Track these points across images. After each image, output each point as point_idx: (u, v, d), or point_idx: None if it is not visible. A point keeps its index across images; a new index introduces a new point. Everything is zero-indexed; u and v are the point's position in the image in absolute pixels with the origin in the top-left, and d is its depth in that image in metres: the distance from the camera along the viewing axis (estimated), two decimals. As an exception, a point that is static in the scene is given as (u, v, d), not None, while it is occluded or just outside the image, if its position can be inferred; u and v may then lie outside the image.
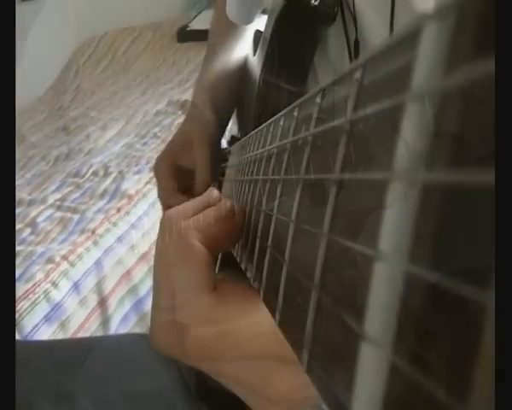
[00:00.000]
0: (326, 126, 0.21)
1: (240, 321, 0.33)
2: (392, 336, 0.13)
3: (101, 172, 2.09)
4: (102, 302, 1.51)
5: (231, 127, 0.93)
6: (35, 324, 1.35)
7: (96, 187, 1.96)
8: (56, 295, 1.42)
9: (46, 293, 1.41)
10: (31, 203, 1.95)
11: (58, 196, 1.97)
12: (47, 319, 1.38)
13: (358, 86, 0.18)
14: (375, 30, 0.60)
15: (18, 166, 2.41)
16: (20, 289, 1.39)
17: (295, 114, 0.26)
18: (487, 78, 0.11)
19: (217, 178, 0.84)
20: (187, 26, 3.56)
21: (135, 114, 2.64)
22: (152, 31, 3.74)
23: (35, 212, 1.86)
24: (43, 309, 1.38)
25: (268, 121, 0.36)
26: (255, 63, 0.76)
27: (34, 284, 1.42)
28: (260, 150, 0.37)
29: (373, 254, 0.14)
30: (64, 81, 3.56)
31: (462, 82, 0.12)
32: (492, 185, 0.10)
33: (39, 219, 1.80)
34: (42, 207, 1.89)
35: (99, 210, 1.77)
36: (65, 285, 1.46)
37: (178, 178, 0.83)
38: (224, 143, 0.91)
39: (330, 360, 0.17)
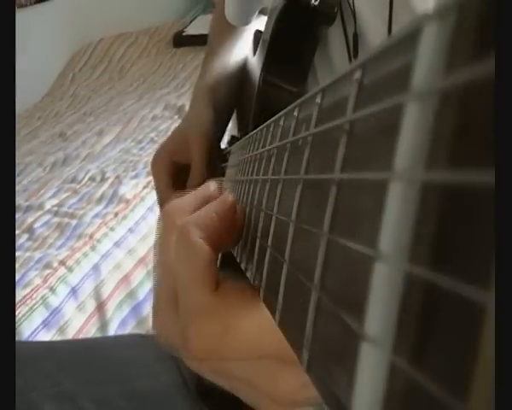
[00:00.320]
0: (326, 126, 0.21)
1: (242, 320, 0.32)
2: (392, 336, 0.13)
3: (99, 178, 2.09)
4: (101, 307, 1.51)
5: (231, 127, 0.93)
6: (33, 329, 1.35)
7: (94, 192, 1.96)
8: (54, 301, 1.42)
9: (44, 298, 1.41)
10: (28, 209, 1.95)
11: (55, 201, 1.97)
12: (45, 324, 1.38)
13: (358, 86, 0.18)
14: (374, 29, 0.60)
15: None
16: (18, 294, 1.39)
17: (295, 113, 0.26)
18: (487, 78, 0.11)
19: (214, 177, 0.83)
20: (183, 31, 3.57)
21: (131, 120, 2.64)
22: (148, 36, 3.75)
23: (32, 218, 1.85)
24: (41, 315, 1.38)
25: (268, 121, 0.36)
26: (255, 63, 0.76)
27: (32, 290, 1.42)
28: (260, 150, 0.37)
29: (373, 254, 0.14)
30: (60, 87, 3.56)
31: (462, 82, 0.12)
32: (492, 185, 0.10)
33: (36, 225, 1.80)
34: (39, 213, 1.89)
35: (96, 215, 1.77)
36: (63, 290, 1.46)
37: (175, 176, 0.83)
38: (224, 143, 0.90)
39: (330, 359, 0.17)
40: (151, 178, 0.94)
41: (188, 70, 3.09)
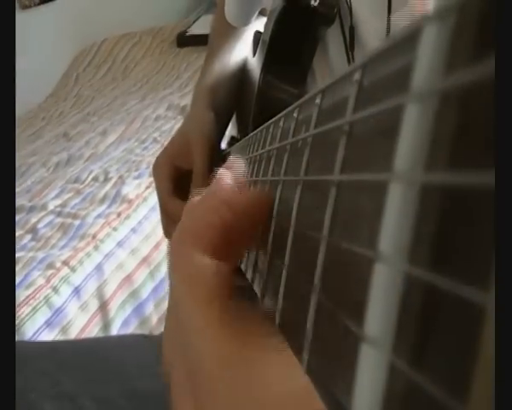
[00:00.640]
0: (326, 127, 0.21)
1: (265, 372, 0.24)
2: (392, 336, 0.13)
3: (102, 178, 2.09)
4: (103, 307, 1.51)
5: (231, 128, 0.93)
6: (36, 329, 1.35)
7: (97, 192, 1.96)
8: (57, 301, 1.43)
9: (47, 298, 1.42)
10: (31, 210, 1.95)
11: (58, 202, 1.97)
12: (48, 324, 1.38)
13: (358, 87, 0.18)
14: (372, 30, 0.60)
15: (18, 173, 2.41)
16: (21, 295, 1.39)
17: (295, 115, 0.26)
18: (487, 78, 0.11)
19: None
20: (186, 31, 3.57)
21: (135, 120, 2.64)
22: (151, 36, 3.75)
23: (35, 218, 1.86)
24: (44, 315, 1.39)
25: (268, 122, 0.36)
26: (255, 64, 0.76)
27: (35, 290, 1.42)
28: (260, 151, 0.37)
29: (373, 256, 0.14)
30: (64, 88, 3.57)
31: (462, 83, 0.12)
32: (492, 186, 0.10)
33: (40, 226, 1.80)
34: (42, 213, 1.89)
35: (99, 215, 1.77)
36: (66, 290, 1.46)
37: (177, 180, 0.83)
38: (223, 144, 0.90)
39: (330, 360, 0.17)
40: (154, 178, 0.94)
41: (191, 70, 3.09)
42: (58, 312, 1.41)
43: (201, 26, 3.33)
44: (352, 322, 0.15)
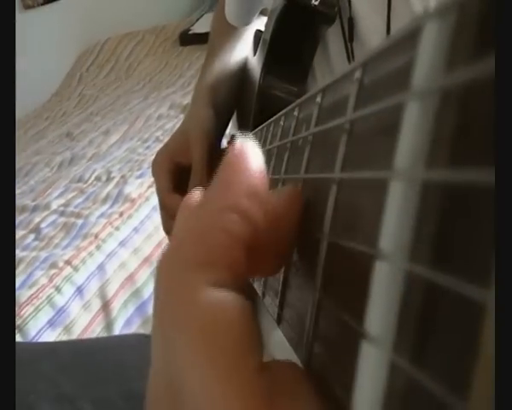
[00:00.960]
0: (326, 126, 0.21)
1: None
2: (392, 334, 0.13)
3: (104, 177, 2.09)
4: (106, 306, 1.52)
5: (232, 127, 0.93)
6: (39, 328, 1.36)
7: (99, 192, 1.96)
8: (60, 300, 1.43)
9: (50, 298, 1.42)
10: (34, 209, 1.95)
11: (61, 201, 1.97)
12: (51, 323, 1.38)
13: (359, 86, 0.18)
14: (372, 28, 0.60)
15: (22, 172, 2.41)
16: (24, 294, 1.39)
17: (295, 113, 0.26)
18: (487, 76, 0.11)
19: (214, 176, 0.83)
20: (189, 29, 3.57)
21: (137, 119, 2.64)
22: (154, 35, 3.75)
23: (39, 218, 1.86)
24: (46, 314, 1.39)
25: (268, 121, 0.36)
26: (255, 63, 0.76)
27: (38, 290, 1.42)
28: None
29: (373, 253, 0.14)
30: (67, 87, 3.57)
31: (463, 81, 0.12)
32: (492, 184, 0.10)
33: (43, 225, 1.80)
34: (45, 212, 1.90)
35: (102, 215, 1.77)
36: (68, 290, 1.46)
37: (176, 177, 0.83)
38: (224, 143, 0.90)
39: (330, 358, 0.17)
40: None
41: (194, 68, 3.09)
42: (61, 311, 1.41)
43: (204, 25, 3.32)
44: (352, 320, 0.15)
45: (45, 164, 2.46)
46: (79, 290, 1.48)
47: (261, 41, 0.74)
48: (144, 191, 1.85)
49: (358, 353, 0.14)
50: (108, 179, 2.05)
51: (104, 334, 1.49)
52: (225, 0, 0.89)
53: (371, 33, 0.60)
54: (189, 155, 0.80)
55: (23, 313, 1.35)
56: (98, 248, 1.60)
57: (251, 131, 0.47)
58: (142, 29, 3.77)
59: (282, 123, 0.30)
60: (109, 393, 0.62)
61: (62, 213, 1.87)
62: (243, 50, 0.90)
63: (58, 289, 1.44)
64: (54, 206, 1.93)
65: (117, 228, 1.68)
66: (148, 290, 1.63)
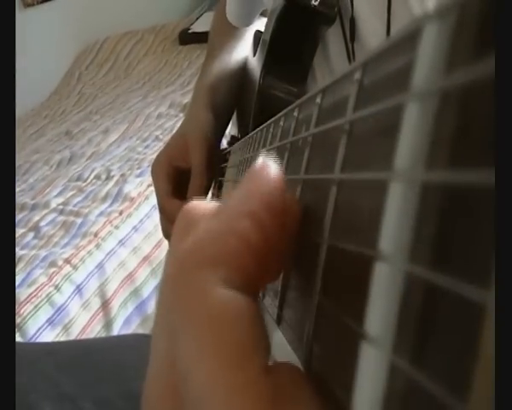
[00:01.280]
0: (326, 126, 0.21)
1: None
2: (392, 335, 0.13)
3: (104, 176, 2.09)
4: (105, 305, 1.52)
5: (231, 127, 0.93)
6: (38, 327, 1.36)
7: (99, 190, 1.96)
8: (59, 299, 1.43)
9: (49, 296, 1.42)
10: (34, 208, 1.95)
11: (61, 200, 1.97)
12: (50, 322, 1.38)
13: (359, 86, 0.18)
14: (372, 30, 0.60)
15: (21, 171, 2.41)
16: (24, 293, 1.39)
17: (295, 114, 0.26)
18: (487, 77, 0.11)
19: (215, 180, 0.83)
20: (189, 28, 3.57)
21: (137, 118, 2.64)
22: (154, 34, 3.75)
23: (38, 216, 1.86)
24: (46, 313, 1.39)
25: (268, 121, 0.36)
26: (255, 64, 0.76)
27: (37, 288, 1.42)
28: (260, 150, 0.37)
29: (373, 254, 0.14)
30: (67, 86, 3.57)
31: (463, 82, 0.12)
32: (492, 185, 0.10)
33: (42, 224, 1.80)
34: (45, 211, 1.90)
35: (101, 213, 1.77)
36: (68, 289, 1.46)
37: (176, 181, 0.83)
38: (224, 143, 0.90)
39: (330, 359, 0.17)
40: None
41: (193, 68, 3.08)
42: (60, 310, 1.41)
43: (204, 24, 3.32)
44: (352, 321, 0.15)
45: (44, 162, 2.46)
46: (79, 289, 1.48)
47: (261, 41, 0.74)
48: (144, 190, 1.85)
49: (358, 354, 0.14)
50: (108, 178, 2.05)
51: (103, 333, 1.49)
52: (226, 0, 0.89)
53: (371, 35, 0.60)
54: (188, 159, 0.80)
55: (22, 311, 1.35)
56: (98, 246, 1.60)
57: (251, 131, 0.47)
58: (142, 28, 3.77)
59: (281, 123, 0.30)
60: (109, 393, 0.62)
61: (62, 212, 1.87)
62: (243, 51, 0.90)
63: (57, 288, 1.44)
64: (53, 204, 1.93)
65: (116, 227, 1.68)
66: (148, 289, 1.63)
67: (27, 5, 3.43)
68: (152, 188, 1.81)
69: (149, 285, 1.64)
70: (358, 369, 0.14)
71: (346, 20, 0.61)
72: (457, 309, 0.11)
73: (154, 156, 0.88)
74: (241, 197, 0.20)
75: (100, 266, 1.56)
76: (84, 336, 1.43)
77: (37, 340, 1.33)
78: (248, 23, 0.90)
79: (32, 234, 1.76)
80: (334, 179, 0.18)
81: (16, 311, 1.33)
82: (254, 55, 0.81)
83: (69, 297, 1.45)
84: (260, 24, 0.87)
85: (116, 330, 1.53)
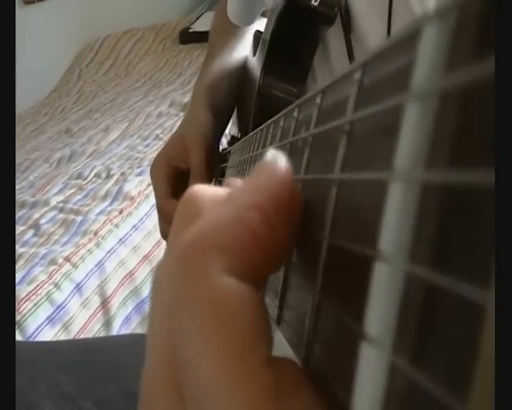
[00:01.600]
0: (326, 127, 0.21)
1: None
2: (392, 335, 0.13)
3: (104, 174, 2.09)
4: (105, 304, 1.52)
5: (231, 127, 0.93)
6: (38, 325, 1.36)
7: (99, 189, 1.96)
8: (59, 297, 1.43)
9: (49, 294, 1.42)
10: (34, 205, 1.95)
11: (61, 198, 1.97)
12: (50, 320, 1.38)
13: (358, 87, 0.18)
14: (373, 30, 0.60)
15: (21, 168, 2.41)
16: (23, 290, 1.39)
17: (295, 114, 0.26)
18: (487, 78, 0.11)
19: (215, 180, 0.83)
20: (189, 27, 3.57)
21: (137, 116, 2.64)
22: (154, 33, 3.75)
23: (38, 214, 1.86)
24: (45, 311, 1.39)
25: (268, 122, 0.36)
26: (255, 64, 0.76)
27: (37, 286, 1.42)
28: (260, 151, 0.37)
29: (373, 254, 0.14)
30: (67, 84, 3.57)
31: (462, 82, 0.12)
32: (492, 185, 0.10)
33: (42, 221, 1.80)
34: (45, 209, 1.90)
35: (101, 212, 1.78)
36: (67, 287, 1.46)
37: (175, 181, 0.83)
38: (224, 143, 0.90)
39: (330, 359, 0.17)
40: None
41: (194, 67, 3.09)
42: (60, 308, 1.41)
43: (204, 23, 3.32)
44: (352, 321, 0.15)
45: (44, 160, 2.46)
46: (78, 287, 1.48)
47: (261, 41, 0.74)
48: (144, 189, 1.85)
49: (358, 354, 0.14)
50: (108, 177, 2.06)
51: (103, 331, 1.49)
52: None
53: (371, 36, 0.60)
54: (188, 160, 0.80)
55: (22, 309, 1.35)
56: (98, 245, 1.60)
57: (251, 131, 0.47)
58: (142, 27, 3.78)
59: (281, 123, 0.30)
60: (109, 392, 0.62)
61: (62, 210, 1.87)
62: (243, 50, 0.90)
63: (57, 286, 1.45)
64: (53, 202, 1.93)
65: (116, 225, 1.68)
66: (148, 289, 1.63)
67: (28, 2, 3.43)
68: (152, 187, 1.82)
69: (149, 284, 1.63)
70: (358, 369, 0.14)
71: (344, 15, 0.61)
72: (457, 309, 0.11)
73: (155, 155, 0.88)
74: (249, 189, 0.20)
75: (100, 264, 1.56)
76: (83, 335, 1.43)
77: (37, 338, 1.33)
78: (249, 22, 0.90)
79: (31, 232, 1.76)
80: (334, 179, 0.18)
81: (16, 308, 1.33)
82: (254, 55, 0.81)
83: (69, 295, 1.45)
84: (260, 24, 0.87)
85: (115, 328, 1.53)
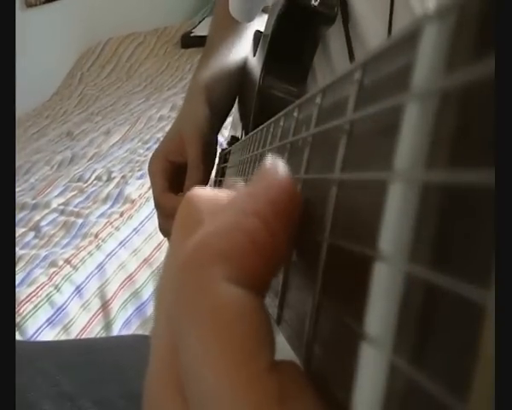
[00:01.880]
0: (326, 127, 0.21)
1: None
2: (392, 335, 0.13)
3: (105, 177, 2.09)
4: (105, 306, 1.52)
5: (231, 127, 0.93)
6: (38, 327, 1.36)
7: (100, 192, 1.96)
8: (59, 299, 1.43)
9: (49, 296, 1.42)
10: (34, 207, 1.95)
11: (61, 200, 1.98)
12: (50, 322, 1.38)
13: (359, 86, 0.18)
14: (374, 30, 0.60)
15: (22, 170, 2.42)
16: (23, 292, 1.39)
17: (295, 114, 0.26)
18: (487, 78, 0.11)
19: (210, 174, 0.84)
20: (191, 31, 3.58)
21: (138, 120, 2.65)
22: (156, 37, 3.76)
23: (39, 216, 1.86)
24: (45, 312, 1.39)
25: (268, 121, 0.36)
26: (255, 63, 0.76)
27: (37, 288, 1.42)
28: (260, 150, 0.37)
29: (373, 254, 0.14)
30: (68, 87, 3.57)
31: (463, 82, 0.12)
32: (492, 185, 0.10)
33: (43, 223, 1.80)
34: (45, 211, 1.90)
35: (102, 214, 1.78)
36: (68, 289, 1.46)
37: (172, 177, 0.83)
38: (224, 144, 0.90)
39: (330, 359, 0.17)
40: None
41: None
42: (60, 310, 1.41)
43: (206, 28, 3.30)
44: (352, 321, 0.15)
45: (45, 162, 2.46)
46: (78, 290, 1.48)
47: (261, 40, 0.74)
48: (145, 192, 1.86)
49: (358, 354, 0.14)
50: (109, 179, 2.06)
51: (103, 334, 1.49)
52: None
53: (372, 36, 0.61)
54: (185, 154, 0.80)
55: (22, 310, 1.35)
56: (98, 247, 1.60)
57: (251, 131, 0.47)
58: (144, 30, 3.78)
59: (281, 123, 0.30)
60: (110, 393, 0.62)
61: (62, 212, 1.87)
62: (243, 48, 0.90)
63: (57, 288, 1.45)
64: (54, 204, 1.94)
65: (117, 228, 1.68)
66: (148, 292, 1.63)
67: (30, 5, 3.43)
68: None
69: (149, 288, 1.64)
70: (358, 369, 0.14)
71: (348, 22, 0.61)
72: (457, 309, 0.11)
73: (155, 159, 0.88)
74: (249, 196, 0.20)
75: (100, 267, 1.56)
76: (83, 337, 1.43)
77: (37, 339, 1.33)
78: (251, 18, 0.90)
79: (32, 234, 1.76)
80: (334, 179, 0.18)
81: (16, 310, 1.33)
82: (254, 55, 0.81)
83: (69, 297, 1.45)
84: (261, 23, 0.87)
85: (115, 331, 1.53)
